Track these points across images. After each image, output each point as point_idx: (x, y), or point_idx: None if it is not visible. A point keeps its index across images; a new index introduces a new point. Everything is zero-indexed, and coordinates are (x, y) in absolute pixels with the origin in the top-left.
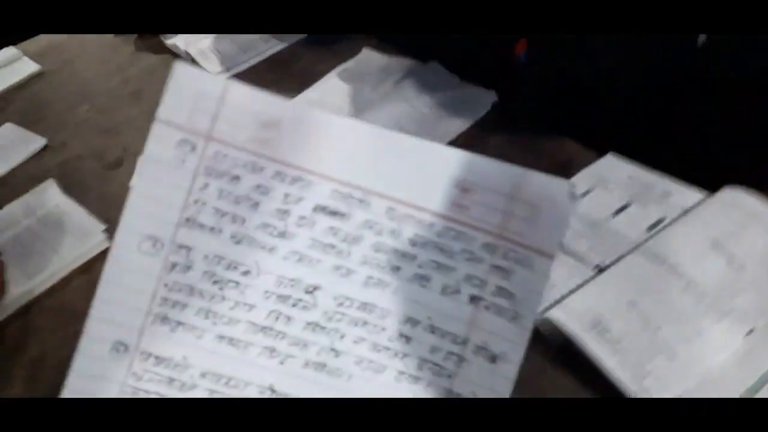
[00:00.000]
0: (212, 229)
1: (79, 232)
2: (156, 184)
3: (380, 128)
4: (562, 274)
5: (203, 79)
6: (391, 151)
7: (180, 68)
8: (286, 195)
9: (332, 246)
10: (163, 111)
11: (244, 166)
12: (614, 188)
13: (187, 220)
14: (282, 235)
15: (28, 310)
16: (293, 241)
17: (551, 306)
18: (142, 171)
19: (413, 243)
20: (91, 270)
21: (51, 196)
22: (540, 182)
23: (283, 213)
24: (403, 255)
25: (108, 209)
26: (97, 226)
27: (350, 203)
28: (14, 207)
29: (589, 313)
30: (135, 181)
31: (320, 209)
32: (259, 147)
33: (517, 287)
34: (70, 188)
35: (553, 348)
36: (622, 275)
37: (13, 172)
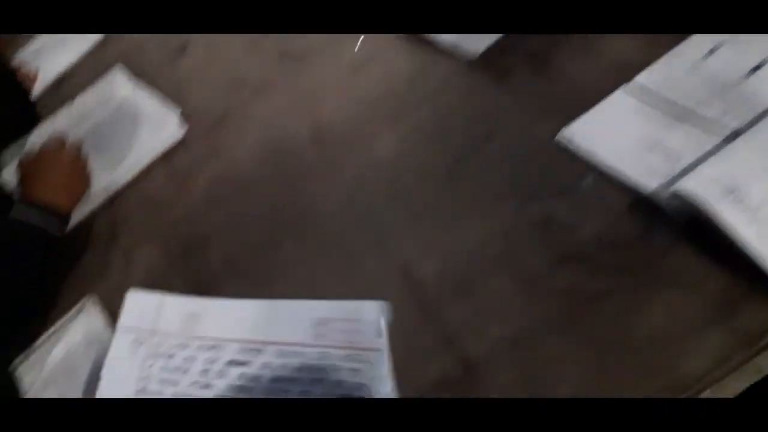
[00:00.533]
0: (158, 392)
1: (154, 121)
2: (118, 371)
3: (263, 300)
4: (688, 144)
5: (147, 299)
6: (273, 311)
7: (131, 296)
8: (207, 359)
9: (242, 387)
10: (121, 323)
11: (176, 346)
12: (747, 45)
13: (138, 391)
14: (206, 386)
15: (113, 201)
16: (214, 389)
17: (677, 178)
18: (108, 363)
19: (297, 369)
20: (170, 159)
21: (121, 84)
22: (364, 307)
23: (206, 371)
24: (291, 380)
25: (179, 96)
26: (171, 115)
27: (251, 353)
28: (87, 98)
29: (722, 180)
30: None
31: (231, 363)
32: (185, 331)
33: (367, 377)
34: (137, 77)
35: (680, 225)
36: (759, 139)
37: (79, 63)
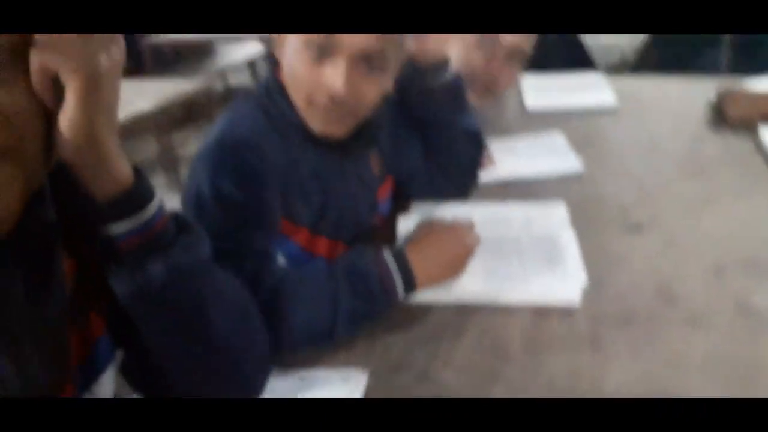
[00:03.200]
0: None
1: (559, 274)
2: None
3: None
4: None
5: None
6: None
7: None
8: None
9: None
10: None
11: None
12: None
13: None
14: None
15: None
16: None
17: None
18: None
19: None
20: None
21: (558, 221)
22: None
23: None
24: None
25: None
26: (577, 280)
27: None
28: (520, 210)
29: None
30: None
31: None
32: None
33: None
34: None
35: None
36: None
37: None
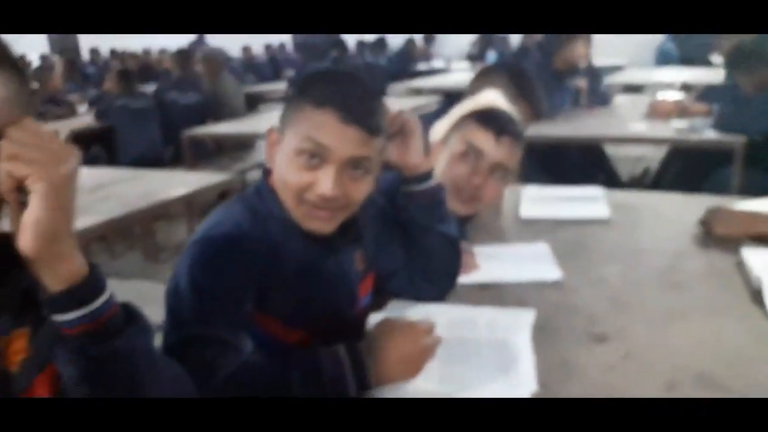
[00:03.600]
0: None
1: (512, 377)
2: None
3: None
4: None
5: None
6: None
7: None
8: None
9: None
10: None
11: None
12: None
13: None
14: None
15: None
16: None
17: None
18: None
19: None
20: None
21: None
22: None
23: None
24: None
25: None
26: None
27: None
28: (484, 313)
29: None
30: None
31: None
32: None
33: None
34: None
35: None
36: None
37: None
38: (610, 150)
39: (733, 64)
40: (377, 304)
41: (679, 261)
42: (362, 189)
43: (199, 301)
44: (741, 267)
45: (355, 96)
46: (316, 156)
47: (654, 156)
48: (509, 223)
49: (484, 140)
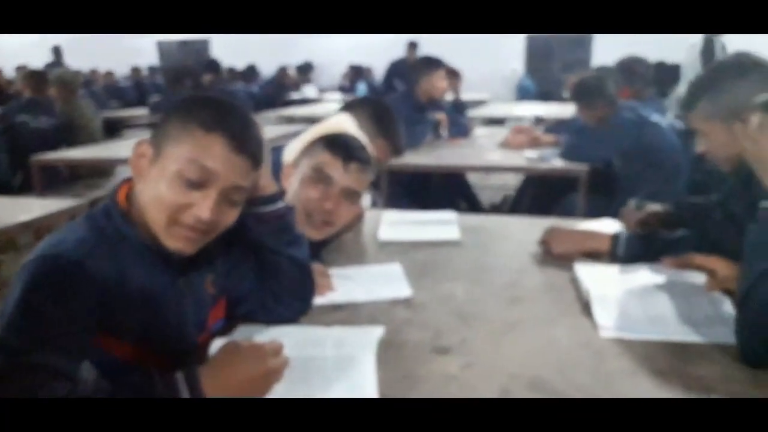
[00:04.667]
0: None
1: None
2: None
3: None
4: None
5: None
6: None
7: None
8: None
9: None
10: None
11: None
12: None
13: None
14: None
15: None
16: None
17: None
18: None
19: None
20: None
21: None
22: None
23: None
24: None
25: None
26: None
27: None
28: (334, 333)
29: None
30: None
31: None
32: None
33: None
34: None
35: None
36: None
37: None
38: (474, 179)
39: (576, 98)
40: (226, 329)
41: (520, 277)
42: (232, 216)
43: (29, 324)
44: (574, 282)
45: (244, 126)
46: (199, 179)
47: (513, 184)
48: (368, 245)
49: (333, 166)
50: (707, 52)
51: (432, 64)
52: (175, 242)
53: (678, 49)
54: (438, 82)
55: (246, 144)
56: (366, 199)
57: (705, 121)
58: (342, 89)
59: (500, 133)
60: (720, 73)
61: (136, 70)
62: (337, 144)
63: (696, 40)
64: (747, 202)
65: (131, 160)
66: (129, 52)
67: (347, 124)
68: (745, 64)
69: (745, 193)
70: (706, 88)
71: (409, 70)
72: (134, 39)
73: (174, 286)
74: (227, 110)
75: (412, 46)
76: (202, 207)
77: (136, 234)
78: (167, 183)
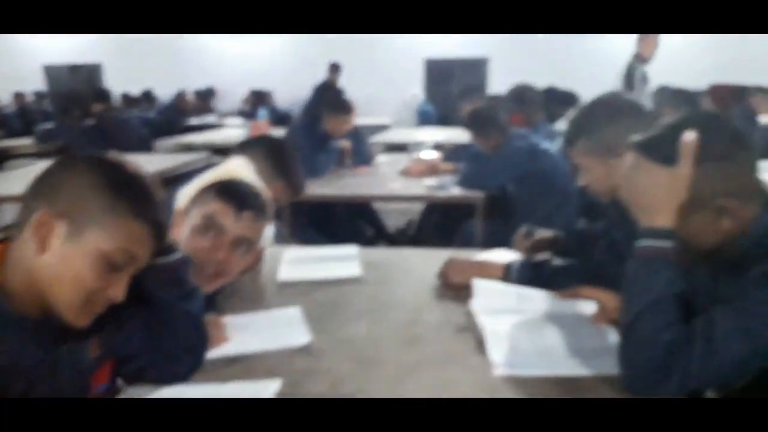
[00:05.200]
0: None
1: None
2: None
3: None
4: None
5: None
6: None
7: None
8: None
9: None
10: None
11: None
12: None
13: None
14: None
15: None
16: None
17: None
18: None
19: None
20: None
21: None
22: None
23: None
24: None
25: None
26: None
27: None
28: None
29: None
30: None
31: None
32: None
33: None
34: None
35: None
36: None
37: None
38: (380, 204)
39: (471, 127)
40: (113, 392)
41: (419, 314)
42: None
43: None
44: (470, 315)
45: (159, 205)
46: (124, 264)
47: (417, 209)
48: (267, 287)
49: (224, 214)
50: (629, 78)
51: (342, 109)
52: (84, 320)
53: (565, 74)
54: (343, 125)
55: (164, 227)
56: (269, 230)
57: (584, 156)
58: (243, 114)
59: (402, 160)
60: (596, 112)
61: (19, 96)
62: (229, 191)
63: (620, 69)
64: (626, 231)
65: (32, 231)
66: (10, 78)
67: (241, 170)
68: (618, 103)
69: (623, 222)
70: (584, 126)
71: (317, 102)
72: (17, 61)
73: (52, 354)
74: (145, 187)
75: (335, 68)
76: (117, 289)
77: (8, 307)
78: (90, 265)
